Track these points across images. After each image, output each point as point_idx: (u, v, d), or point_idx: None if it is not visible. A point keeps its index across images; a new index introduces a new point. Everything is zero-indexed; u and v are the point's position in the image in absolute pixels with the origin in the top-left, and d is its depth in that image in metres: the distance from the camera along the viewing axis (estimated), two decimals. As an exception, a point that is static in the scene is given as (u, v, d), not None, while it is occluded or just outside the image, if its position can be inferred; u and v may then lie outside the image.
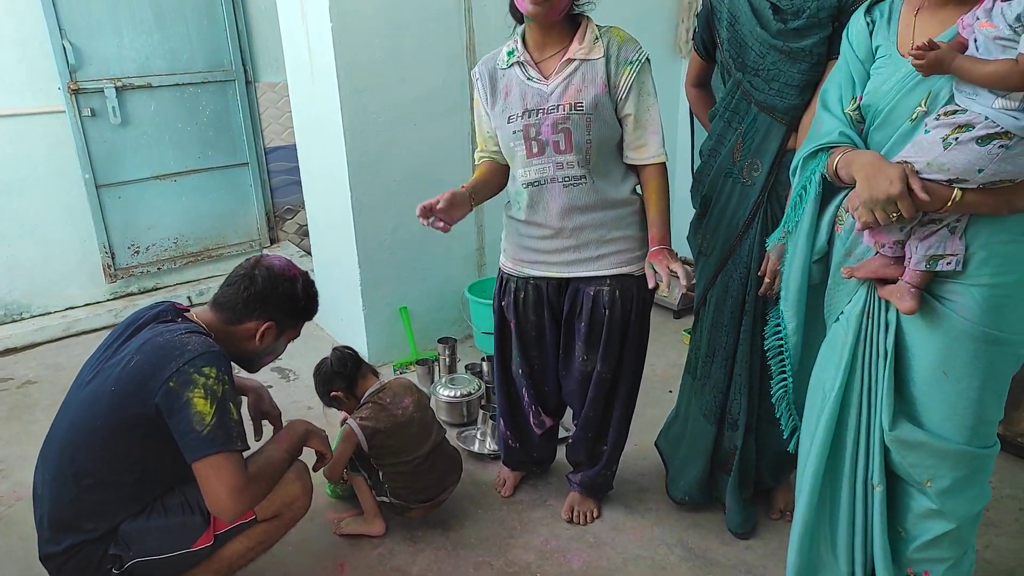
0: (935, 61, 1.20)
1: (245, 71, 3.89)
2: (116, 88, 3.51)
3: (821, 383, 1.53)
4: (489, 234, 3.40)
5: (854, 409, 1.47)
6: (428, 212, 1.73)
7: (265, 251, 4.21)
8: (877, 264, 1.38)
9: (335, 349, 2.23)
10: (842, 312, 1.49)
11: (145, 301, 3.78)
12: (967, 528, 1.46)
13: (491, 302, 3.11)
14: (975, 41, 1.20)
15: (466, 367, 3.01)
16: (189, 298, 3.87)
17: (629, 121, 1.80)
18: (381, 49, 2.84)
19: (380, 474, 2.10)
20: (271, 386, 3.07)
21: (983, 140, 1.18)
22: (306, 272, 1.81)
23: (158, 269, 3.87)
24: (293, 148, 3.86)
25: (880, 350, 1.42)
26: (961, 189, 1.22)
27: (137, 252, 3.79)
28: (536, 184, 1.83)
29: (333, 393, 2.18)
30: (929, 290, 1.34)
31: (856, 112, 1.40)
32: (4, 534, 2.19)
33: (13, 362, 3.36)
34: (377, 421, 2.06)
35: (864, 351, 1.44)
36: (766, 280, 1.76)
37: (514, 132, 1.79)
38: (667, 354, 3.23)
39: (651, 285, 1.76)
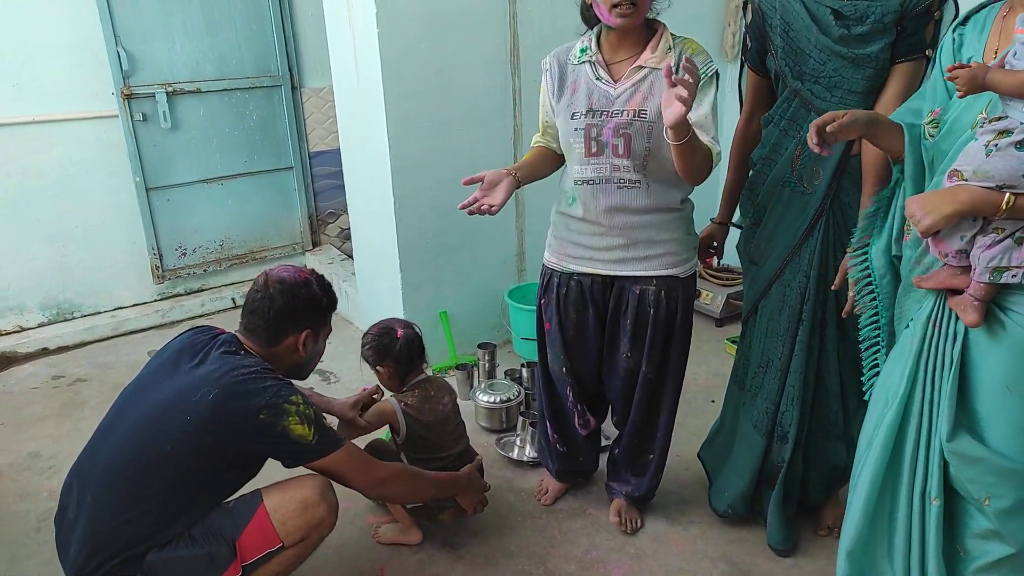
0: (969, 79, 1.20)
1: (291, 76, 3.94)
2: (167, 93, 3.59)
3: (885, 389, 1.49)
4: (530, 239, 3.39)
5: (915, 418, 1.43)
6: (471, 202, 1.78)
7: (307, 254, 4.27)
8: (945, 275, 1.34)
9: (408, 327, 2.15)
10: (912, 319, 1.45)
11: (191, 302, 3.86)
12: None
13: (532, 308, 3.15)
14: (1014, 53, 1.18)
15: (505, 373, 3.00)
16: (233, 299, 3.94)
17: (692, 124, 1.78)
18: (426, 55, 2.85)
19: None
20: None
21: (1021, 145, 1.17)
22: (312, 270, 1.82)
23: (204, 271, 3.94)
24: (337, 153, 3.90)
25: (946, 360, 1.37)
26: (1013, 194, 1.19)
27: (184, 254, 3.87)
28: (591, 183, 1.83)
29: (381, 368, 2.15)
30: (997, 302, 1.29)
31: (931, 124, 1.37)
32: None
33: (64, 360, 3.45)
34: (420, 412, 2.06)
35: (929, 360, 1.40)
36: (851, 294, 1.64)
37: (575, 129, 1.80)
38: (709, 363, 3.17)
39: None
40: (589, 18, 1.83)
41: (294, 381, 1.72)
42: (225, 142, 3.84)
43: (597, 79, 1.79)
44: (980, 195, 1.21)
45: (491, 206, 1.76)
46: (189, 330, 1.79)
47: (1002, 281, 1.26)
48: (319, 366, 3.28)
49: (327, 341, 1.88)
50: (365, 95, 2.94)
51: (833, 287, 1.75)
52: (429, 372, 2.21)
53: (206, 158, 3.81)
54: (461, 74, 2.96)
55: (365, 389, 2.15)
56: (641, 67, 1.76)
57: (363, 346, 2.14)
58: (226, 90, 3.75)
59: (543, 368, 2.15)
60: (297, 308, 1.72)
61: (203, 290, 3.99)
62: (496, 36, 3.01)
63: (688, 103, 1.48)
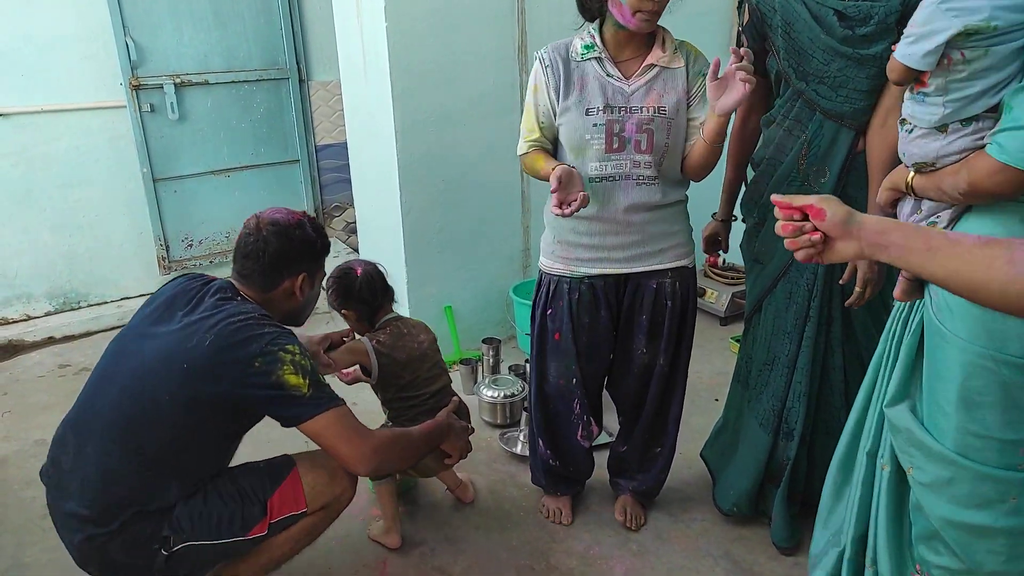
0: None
1: (299, 69, 3.95)
2: (175, 84, 3.60)
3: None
4: (535, 235, 3.39)
5: (878, 387, 1.50)
6: (569, 202, 1.69)
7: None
8: None
9: (367, 266, 2.07)
10: None
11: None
12: (972, 546, 1.35)
13: (536, 304, 3.16)
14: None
15: (509, 368, 3.00)
16: (238, 292, 3.95)
17: (695, 124, 1.84)
18: (434, 50, 2.85)
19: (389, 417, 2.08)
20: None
21: (902, 123, 1.40)
22: (304, 212, 1.77)
23: (210, 262, 3.95)
24: (343, 146, 3.91)
25: (906, 330, 1.44)
26: (915, 172, 1.37)
27: (191, 245, 3.88)
28: (609, 179, 1.82)
29: (346, 311, 2.08)
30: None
31: None
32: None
33: (70, 349, 3.47)
34: (393, 349, 2.02)
35: (895, 330, 1.47)
36: (856, 288, 1.70)
37: (595, 125, 1.78)
38: (713, 361, 3.17)
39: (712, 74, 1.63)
40: (592, 10, 1.80)
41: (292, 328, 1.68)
42: (232, 134, 3.85)
43: (608, 75, 1.79)
44: (896, 172, 1.43)
45: (584, 196, 1.70)
46: (180, 276, 1.73)
47: None
48: (324, 359, 3.30)
49: (322, 286, 1.86)
50: (372, 89, 2.95)
51: (841, 281, 1.77)
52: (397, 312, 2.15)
53: (213, 150, 3.82)
54: (469, 69, 2.96)
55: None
56: (653, 65, 1.78)
57: (326, 292, 2.07)
58: (234, 82, 3.76)
59: (538, 383, 2.07)
60: (292, 250, 1.69)
61: (209, 282, 3.99)
62: (504, 32, 3.01)
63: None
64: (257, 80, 3.84)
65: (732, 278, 3.62)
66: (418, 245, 3.07)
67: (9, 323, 3.55)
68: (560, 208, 1.67)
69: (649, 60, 1.78)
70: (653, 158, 1.80)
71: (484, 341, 3.06)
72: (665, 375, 2.01)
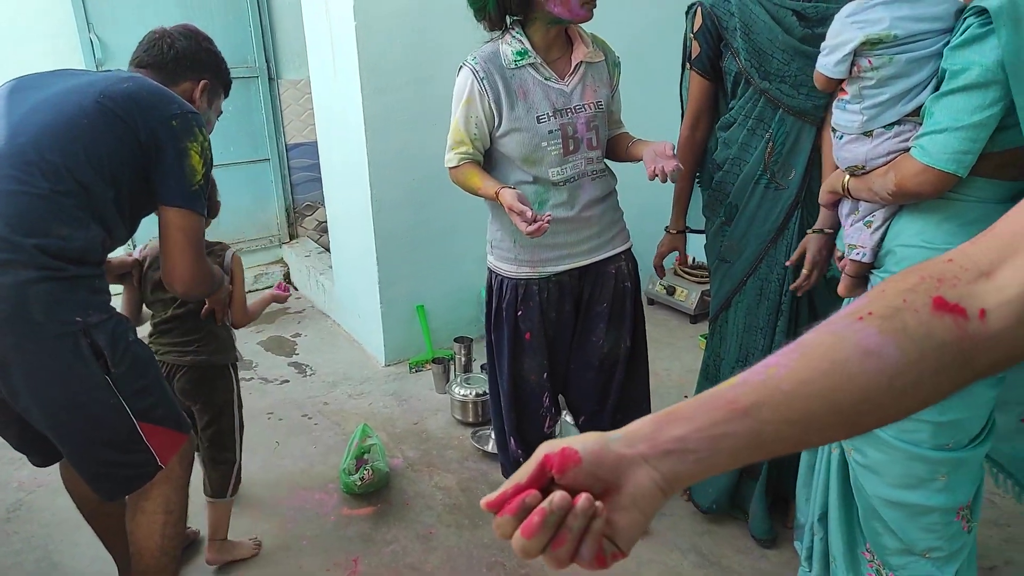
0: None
1: (268, 68, 3.92)
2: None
3: None
4: (507, 234, 3.40)
5: None
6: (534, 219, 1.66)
7: (284, 246, 4.24)
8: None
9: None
10: None
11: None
12: (907, 524, 1.43)
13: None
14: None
15: (481, 367, 3.01)
16: (208, 292, 3.91)
17: (614, 117, 1.96)
18: (404, 48, 2.84)
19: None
20: (287, 381, 3.10)
21: (833, 131, 1.50)
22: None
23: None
24: (314, 145, 3.89)
25: None
26: (848, 175, 1.47)
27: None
28: (570, 181, 1.84)
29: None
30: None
31: None
32: (25, 520, 2.22)
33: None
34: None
35: None
36: (804, 271, 1.78)
37: (550, 132, 1.77)
38: (682, 358, 3.21)
39: (650, 173, 1.70)
40: (498, 15, 1.73)
41: None
42: (201, 133, 3.80)
43: (546, 79, 1.77)
44: (834, 176, 1.53)
45: (549, 216, 1.68)
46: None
47: (852, 257, 1.48)
48: (295, 358, 3.28)
49: (217, 122, 1.80)
50: (342, 88, 2.93)
51: (788, 263, 1.84)
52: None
53: (181, 148, 3.77)
54: (439, 67, 2.96)
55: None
56: (581, 62, 1.81)
57: None
58: (202, 80, 3.71)
59: (511, 384, 2.02)
60: (199, 54, 1.66)
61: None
62: (476, 30, 3.00)
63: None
64: (226, 78, 3.80)
65: (701, 277, 3.66)
66: (389, 244, 3.07)
67: None
68: (533, 227, 1.63)
69: (579, 57, 1.80)
70: (599, 152, 1.87)
71: (456, 340, 3.07)
72: (628, 357, 2.04)
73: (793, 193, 1.84)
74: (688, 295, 3.58)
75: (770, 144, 1.83)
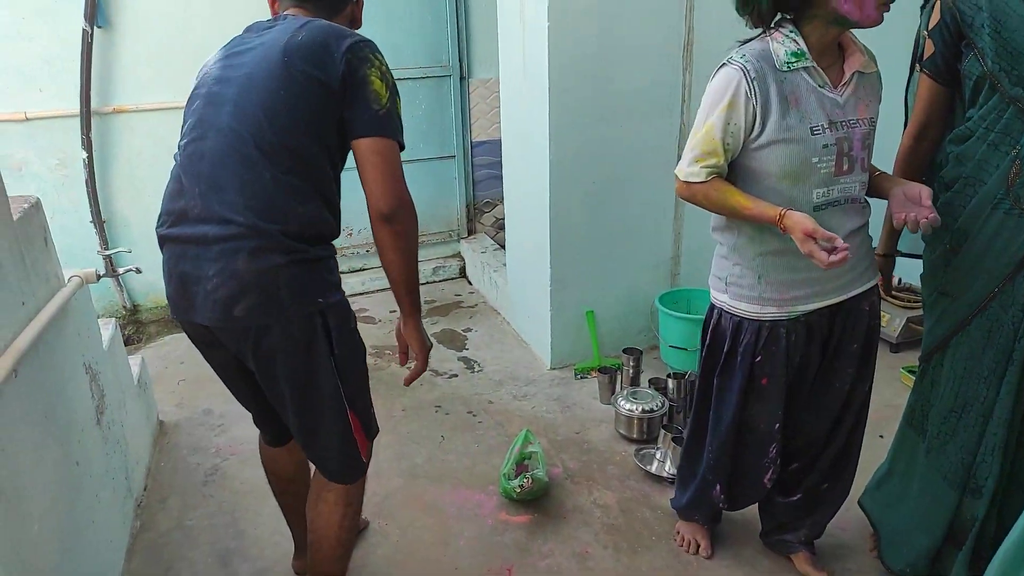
0: None
1: (461, 67, 4.02)
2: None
3: None
4: (687, 243, 3.24)
5: None
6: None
7: (462, 241, 4.36)
8: None
9: None
10: None
11: (353, 280, 4.06)
12: None
13: (685, 316, 3.02)
14: None
15: (650, 381, 2.89)
16: (390, 280, 4.10)
17: None
18: (594, 47, 2.78)
19: None
20: (456, 375, 3.16)
21: None
22: None
23: (366, 251, 4.14)
24: (497, 143, 3.94)
25: None
26: None
27: (351, 234, 4.08)
28: (834, 204, 1.61)
29: None
30: None
31: None
32: (219, 485, 2.44)
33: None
34: None
35: None
36: None
37: (824, 146, 1.54)
38: (881, 392, 2.86)
39: (898, 221, 1.52)
40: (786, 3, 1.50)
41: None
42: (394, 129, 3.99)
43: (820, 87, 1.55)
44: None
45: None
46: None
47: None
48: (465, 353, 3.35)
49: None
50: (530, 87, 2.93)
51: None
52: None
53: (376, 144, 3.97)
54: (628, 67, 2.87)
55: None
56: (856, 72, 1.58)
57: None
58: (399, 79, 3.85)
59: (736, 432, 1.83)
60: None
61: (364, 269, 4.19)
62: (669, 28, 2.88)
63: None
64: (421, 77, 3.95)
65: (907, 301, 3.26)
66: (564, 246, 3.02)
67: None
68: (837, 257, 1.42)
69: (855, 66, 1.57)
70: (868, 175, 1.64)
71: (625, 351, 2.96)
72: (863, 402, 1.83)
73: None
74: (891, 321, 3.20)
75: (1016, 162, 1.54)
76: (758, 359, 1.72)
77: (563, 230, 3.00)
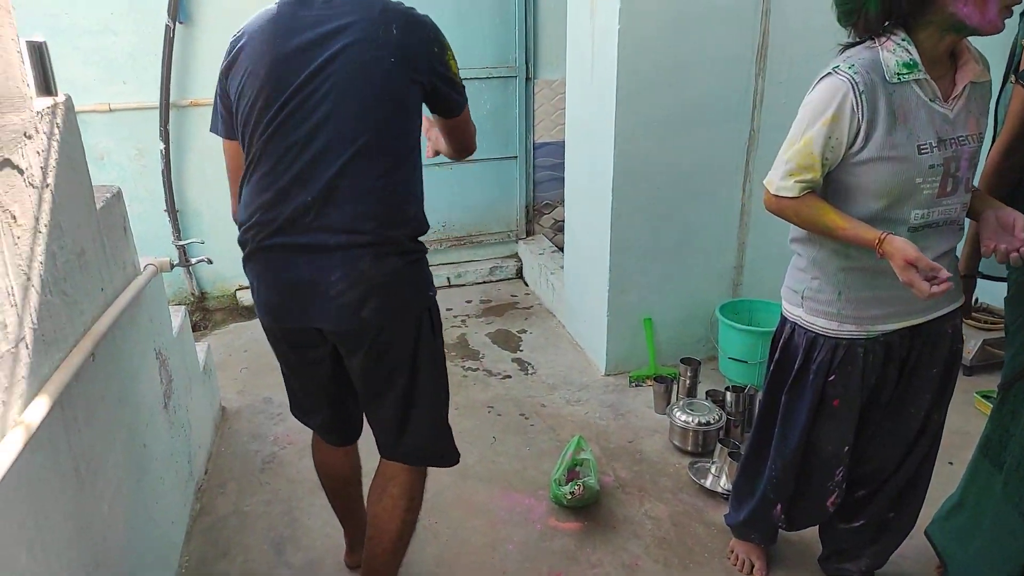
0: None
1: (527, 68, 4.01)
2: (412, 79, 3.82)
3: None
4: (751, 253, 3.16)
5: None
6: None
7: (520, 242, 4.35)
8: None
9: None
10: None
11: (411, 276, 4.09)
12: None
13: (746, 328, 2.94)
14: None
15: (707, 393, 2.83)
16: (448, 279, 4.13)
17: None
18: (664, 51, 2.73)
19: None
20: (509, 376, 3.16)
21: None
22: None
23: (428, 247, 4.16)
24: (559, 145, 3.92)
25: None
26: None
27: (410, 230, 4.11)
28: (932, 226, 1.52)
29: None
30: None
31: None
32: (275, 473, 2.50)
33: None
34: None
35: None
36: None
37: (931, 167, 1.44)
38: (951, 418, 2.70)
39: (987, 249, 1.46)
40: (897, 9, 1.39)
41: None
42: (458, 128, 4.01)
43: (931, 100, 1.44)
44: None
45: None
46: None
47: None
48: (519, 355, 3.35)
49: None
50: (597, 89, 2.90)
51: None
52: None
53: (439, 143, 4.00)
54: (699, 72, 2.81)
55: None
56: (969, 83, 1.46)
57: None
58: (466, 79, 3.88)
59: (802, 453, 1.77)
60: None
61: (422, 266, 4.22)
62: (743, 33, 2.81)
63: None
64: (487, 77, 3.96)
65: (984, 322, 3.11)
66: (624, 251, 2.99)
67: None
68: (939, 288, 1.35)
69: (968, 77, 1.45)
70: (970, 195, 1.54)
71: (682, 360, 2.91)
72: (935, 431, 1.75)
73: None
74: (966, 343, 3.06)
75: None
76: (831, 378, 1.65)
77: (624, 235, 2.96)
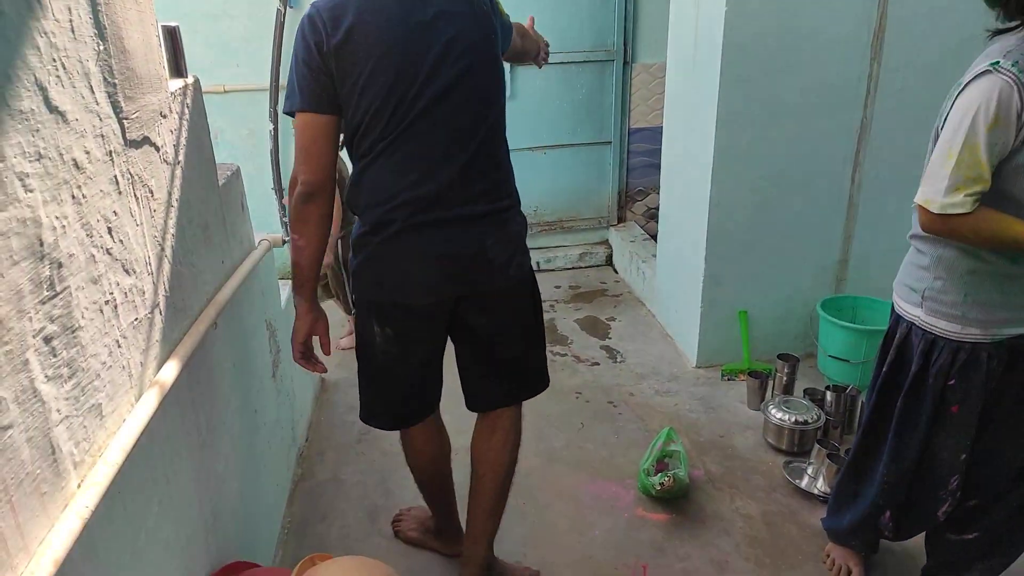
0: None
1: (625, 52, 3.95)
2: (509, 65, 3.83)
3: None
4: (857, 247, 3.01)
5: None
6: None
7: (611, 228, 4.31)
8: None
9: None
10: None
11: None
12: None
13: (848, 325, 2.82)
14: None
15: (804, 391, 2.73)
16: (538, 263, 4.14)
17: None
18: (773, 34, 2.63)
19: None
20: (598, 364, 3.15)
21: None
22: None
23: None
24: (656, 130, 3.85)
25: None
26: None
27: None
28: None
29: None
30: None
31: None
32: (371, 444, 2.60)
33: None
34: None
35: None
36: None
37: None
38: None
39: None
40: None
41: None
42: (554, 113, 4.00)
43: None
44: None
45: None
46: None
47: None
48: (608, 342, 3.33)
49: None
50: (699, 75, 2.82)
51: None
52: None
53: (535, 127, 4.01)
54: (809, 56, 2.69)
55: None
56: None
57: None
58: (562, 63, 3.88)
59: (919, 460, 1.69)
60: None
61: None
62: (859, 16, 2.67)
63: None
64: (583, 61, 3.92)
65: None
66: (720, 242, 2.91)
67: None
68: None
69: None
70: None
71: (779, 356, 2.82)
72: None
73: None
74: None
75: None
76: (951, 383, 1.57)
77: (722, 225, 2.89)
